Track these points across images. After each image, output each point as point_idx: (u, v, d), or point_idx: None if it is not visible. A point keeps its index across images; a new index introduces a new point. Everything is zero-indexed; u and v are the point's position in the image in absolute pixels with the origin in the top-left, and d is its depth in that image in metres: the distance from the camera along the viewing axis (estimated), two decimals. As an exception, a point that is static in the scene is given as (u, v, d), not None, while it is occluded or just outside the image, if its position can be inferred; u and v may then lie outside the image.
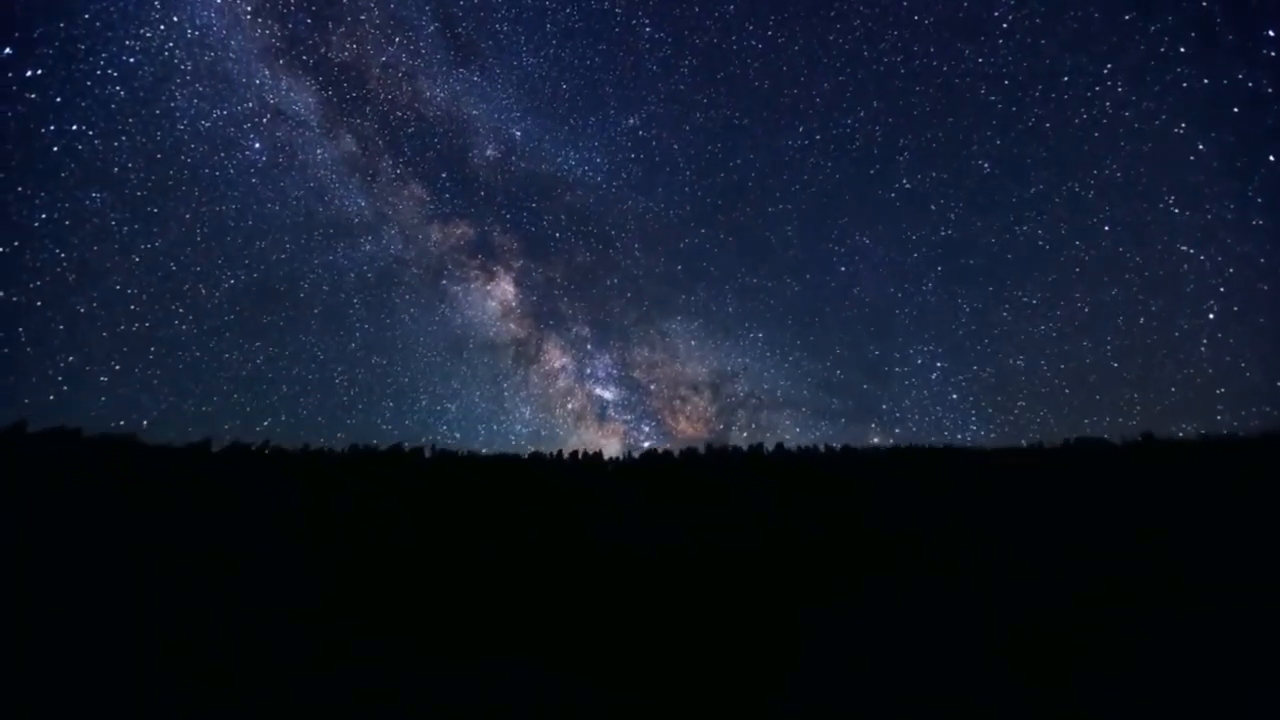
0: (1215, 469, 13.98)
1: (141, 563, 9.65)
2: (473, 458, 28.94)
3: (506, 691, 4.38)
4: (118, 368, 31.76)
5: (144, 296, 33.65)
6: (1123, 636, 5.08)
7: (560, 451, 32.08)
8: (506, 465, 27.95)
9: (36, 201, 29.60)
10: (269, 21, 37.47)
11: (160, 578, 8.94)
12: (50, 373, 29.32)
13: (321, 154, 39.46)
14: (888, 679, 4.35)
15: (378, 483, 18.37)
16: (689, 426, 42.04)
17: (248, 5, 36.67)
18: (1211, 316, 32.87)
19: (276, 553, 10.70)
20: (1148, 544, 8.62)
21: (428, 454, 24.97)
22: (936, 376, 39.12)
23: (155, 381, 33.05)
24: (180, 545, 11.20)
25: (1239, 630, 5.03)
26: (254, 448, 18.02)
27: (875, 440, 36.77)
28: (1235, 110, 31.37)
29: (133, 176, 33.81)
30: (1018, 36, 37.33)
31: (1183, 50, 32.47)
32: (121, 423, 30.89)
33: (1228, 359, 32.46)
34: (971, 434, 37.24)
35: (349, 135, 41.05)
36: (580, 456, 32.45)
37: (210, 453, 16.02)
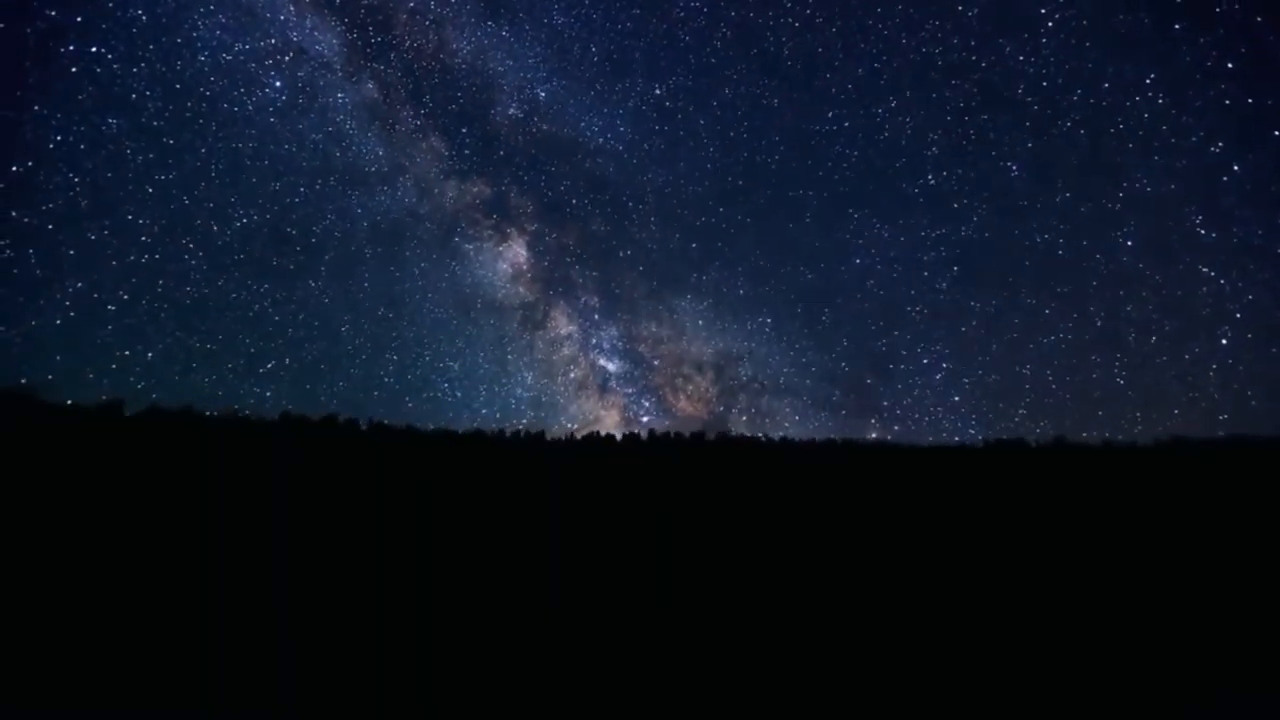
0: (1216, 473, 15.63)
1: (33, 530, 8.76)
2: (410, 431, 27.94)
3: (502, 690, 4.44)
4: (125, 297, 31.54)
5: (155, 229, 33.14)
6: (1125, 636, 5.60)
7: (503, 430, 31.65)
8: (447, 441, 27.22)
9: (53, 122, 28.69)
10: (295, -46, 35.65)
11: (50, 549, 8.18)
12: (58, 296, 28.60)
13: (342, 98, 38.25)
14: (888, 678, 4.66)
15: (313, 454, 17.35)
16: (689, 406, 43.10)
17: (273, -65, 35.00)
18: (1225, 342, 32.30)
19: (193, 528, 10.00)
20: (1149, 544, 9.52)
21: (363, 426, 23.84)
22: (941, 377, 40.49)
23: (162, 315, 32.88)
24: (78, 514, 10.22)
25: (1241, 630, 5.72)
26: (172, 412, 16.55)
27: (874, 435, 38.74)
28: (1277, 134, 30.94)
29: (150, 105, 33.01)
30: (1062, 36, 36.27)
31: (1230, 66, 32.07)
32: (126, 352, 30.48)
33: (1235, 386, 32.10)
34: (970, 438, 38.74)
35: (371, 81, 39.48)
36: (523, 435, 32.15)
37: (123, 416, 14.51)
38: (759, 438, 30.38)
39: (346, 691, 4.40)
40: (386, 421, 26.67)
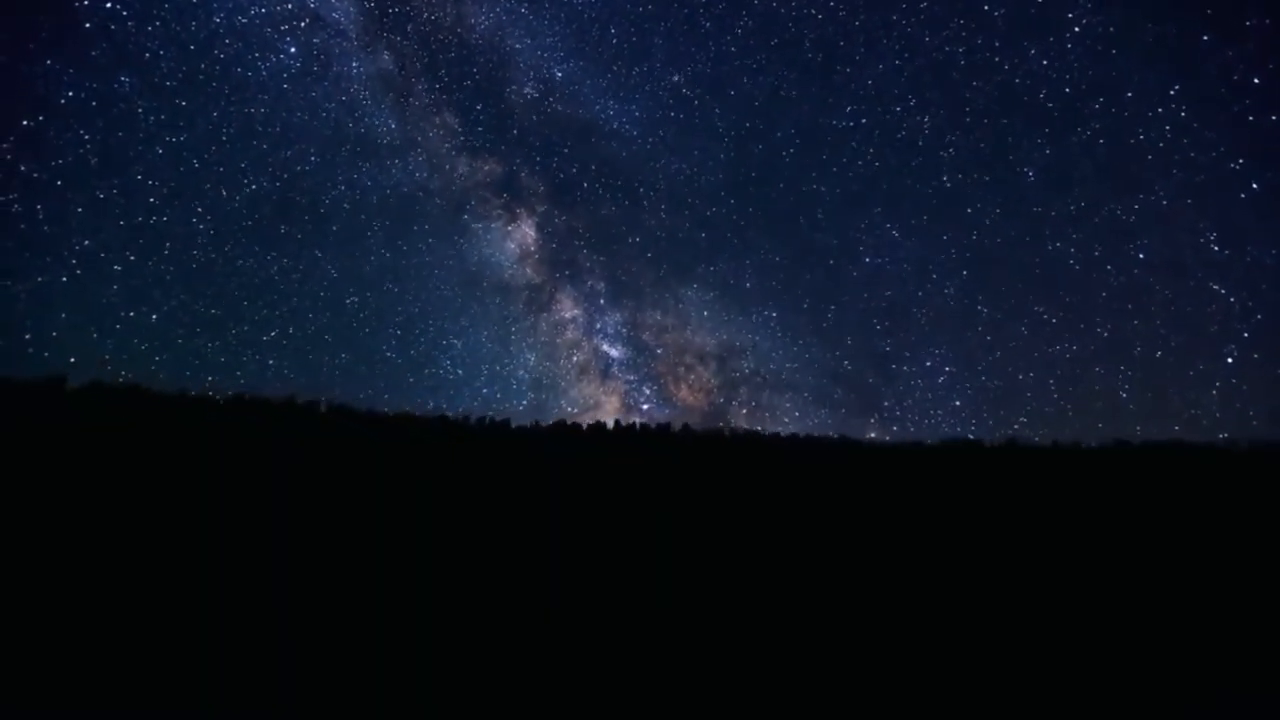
0: (1223, 476, 16.41)
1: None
2: (371, 415, 27.45)
3: (496, 691, 4.38)
4: (132, 258, 31.28)
5: (164, 191, 33.69)
6: (1126, 636, 5.64)
7: (468, 416, 31.43)
8: (410, 426, 26.85)
9: (65, 78, 29.00)
10: (314, -83, 34.98)
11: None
12: (65, 254, 29.00)
13: (357, 68, 37.56)
14: (888, 679, 4.70)
15: (270, 438, 16.85)
16: (690, 396, 43.59)
17: (292, -104, 34.27)
18: (1230, 361, 32.54)
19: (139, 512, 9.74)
20: (1150, 544, 9.73)
21: (323, 408, 23.28)
22: (943, 380, 40.72)
23: (168, 278, 33.10)
24: (13, 497, 9.83)
25: (1245, 632, 5.79)
26: (115, 387, 15.88)
27: (873, 435, 39.64)
28: (1299, 152, 30.80)
29: (164, 65, 33.69)
30: (1087, 42, 35.60)
31: (1256, 81, 31.85)
32: (131, 313, 31.12)
33: (1237, 406, 32.41)
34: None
35: (387, 52, 38.70)
36: (487, 422, 31.99)
37: (64, 390, 13.80)
38: (723, 432, 31.11)
39: (279, 686, 4.47)
40: (349, 405, 26.25)
